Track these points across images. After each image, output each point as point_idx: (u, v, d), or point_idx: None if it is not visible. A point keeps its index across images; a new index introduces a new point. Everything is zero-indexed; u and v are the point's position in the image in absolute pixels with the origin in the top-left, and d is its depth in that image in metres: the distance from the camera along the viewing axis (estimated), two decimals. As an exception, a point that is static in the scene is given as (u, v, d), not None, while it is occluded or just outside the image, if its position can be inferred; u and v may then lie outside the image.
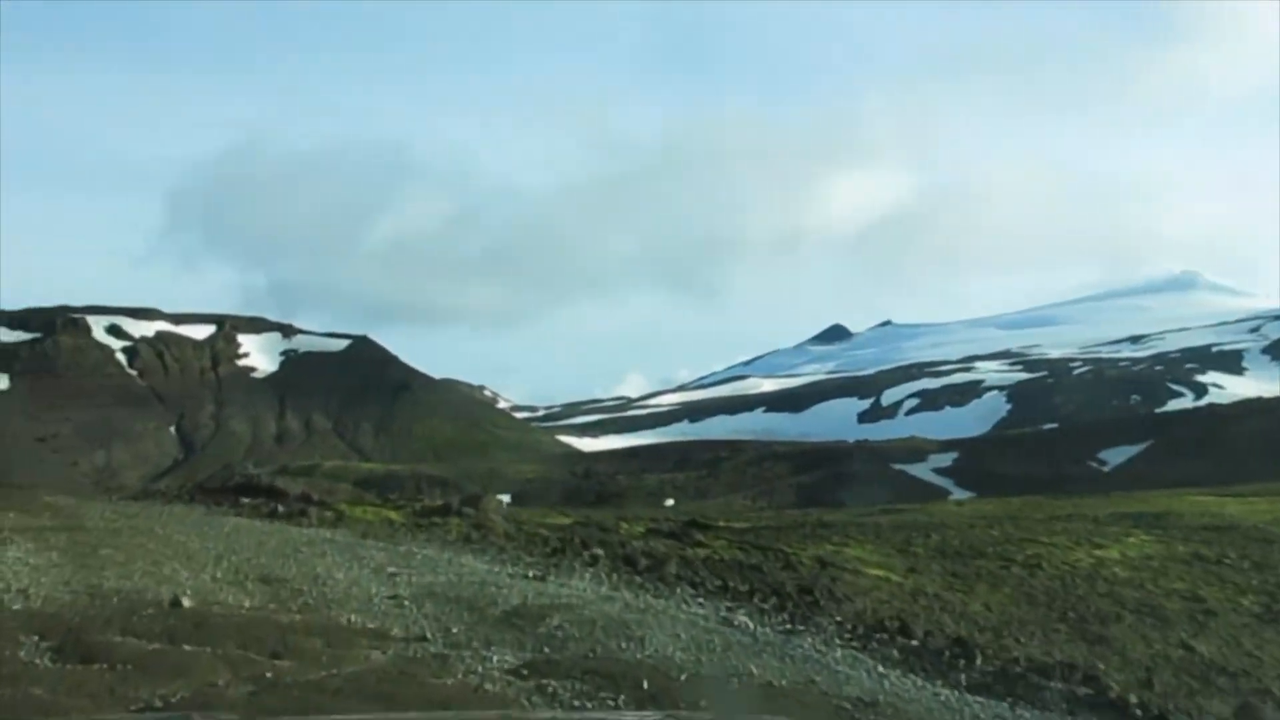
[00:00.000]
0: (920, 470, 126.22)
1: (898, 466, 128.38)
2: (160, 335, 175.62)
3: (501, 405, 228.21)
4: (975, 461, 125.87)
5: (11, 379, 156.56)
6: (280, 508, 20.13)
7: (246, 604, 9.32)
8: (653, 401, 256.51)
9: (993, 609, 19.49)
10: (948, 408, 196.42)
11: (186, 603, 8.67)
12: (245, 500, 21.62)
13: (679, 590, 11.19)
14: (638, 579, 11.77)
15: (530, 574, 11.67)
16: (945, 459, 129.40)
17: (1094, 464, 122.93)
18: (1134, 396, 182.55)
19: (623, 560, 13.34)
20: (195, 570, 10.81)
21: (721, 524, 36.60)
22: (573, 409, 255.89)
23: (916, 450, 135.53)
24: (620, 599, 10.42)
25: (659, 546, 21.50)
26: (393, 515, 21.56)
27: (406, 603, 9.52)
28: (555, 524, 28.02)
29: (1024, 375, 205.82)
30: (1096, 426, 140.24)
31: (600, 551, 14.84)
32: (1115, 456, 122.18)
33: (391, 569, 11.42)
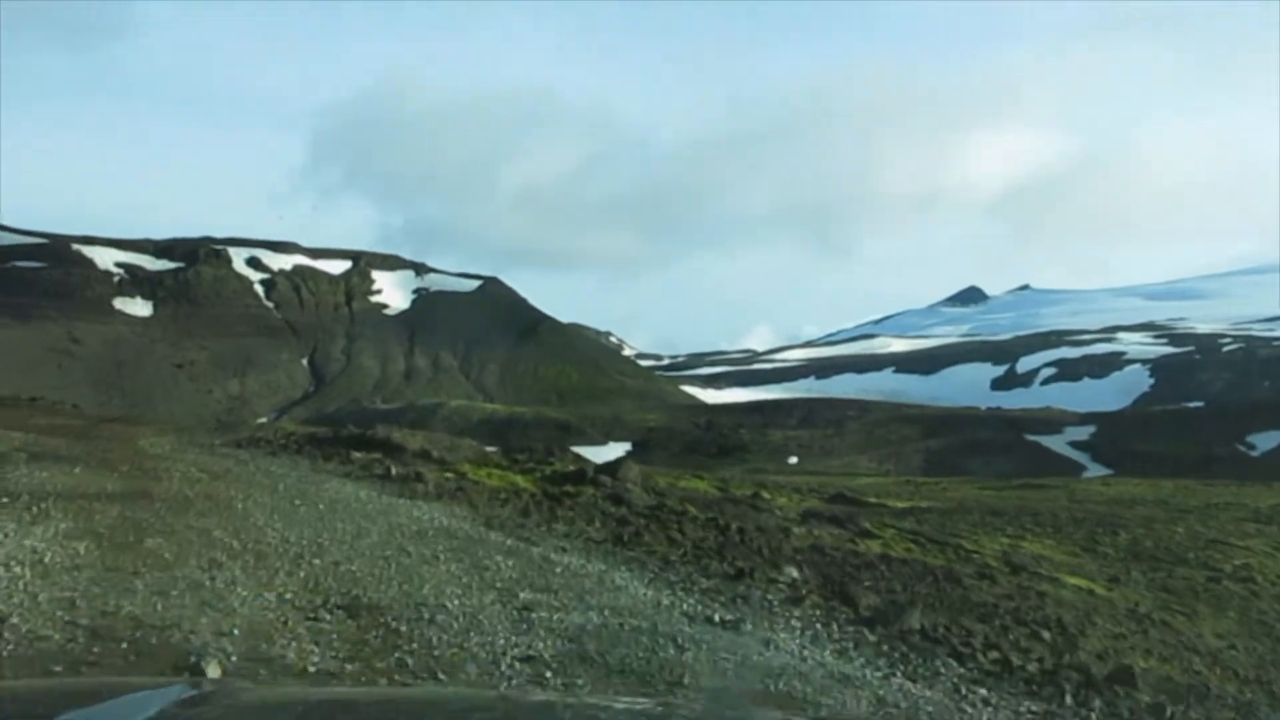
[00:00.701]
0: (1055, 443, 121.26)
1: (1031, 437, 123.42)
2: (297, 269, 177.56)
3: (626, 352, 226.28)
4: (1114, 437, 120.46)
5: (155, 306, 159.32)
6: (394, 469, 17.25)
7: (313, 660, 6.29)
8: (779, 356, 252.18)
9: (1238, 647, 15.75)
10: (1086, 379, 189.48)
11: (212, 671, 5.68)
12: (357, 455, 18.87)
13: (938, 663, 7.82)
14: (869, 634, 8.40)
15: (716, 614, 8.43)
16: (1082, 432, 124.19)
17: (1242, 447, 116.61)
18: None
19: (837, 596, 10.00)
20: (258, 584, 7.82)
21: (873, 500, 33.15)
22: (697, 359, 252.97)
23: (1053, 421, 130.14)
24: (863, 678, 7.13)
25: (827, 537, 18.27)
26: (520, 481, 18.69)
27: (549, 674, 6.37)
28: (698, 493, 24.90)
29: (1169, 349, 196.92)
30: (1246, 408, 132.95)
31: (795, 574, 11.50)
32: (1265, 441, 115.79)
33: (525, 595, 8.25)
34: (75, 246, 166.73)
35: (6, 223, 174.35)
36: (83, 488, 11.11)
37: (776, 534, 17.30)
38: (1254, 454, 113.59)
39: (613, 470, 19.72)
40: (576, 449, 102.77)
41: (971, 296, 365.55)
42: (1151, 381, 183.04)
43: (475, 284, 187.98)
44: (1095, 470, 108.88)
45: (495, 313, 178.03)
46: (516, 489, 17.76)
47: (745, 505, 21.03)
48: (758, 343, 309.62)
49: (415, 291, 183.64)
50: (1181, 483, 73.35)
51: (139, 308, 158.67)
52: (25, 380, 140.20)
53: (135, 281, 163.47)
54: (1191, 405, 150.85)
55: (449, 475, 18.21)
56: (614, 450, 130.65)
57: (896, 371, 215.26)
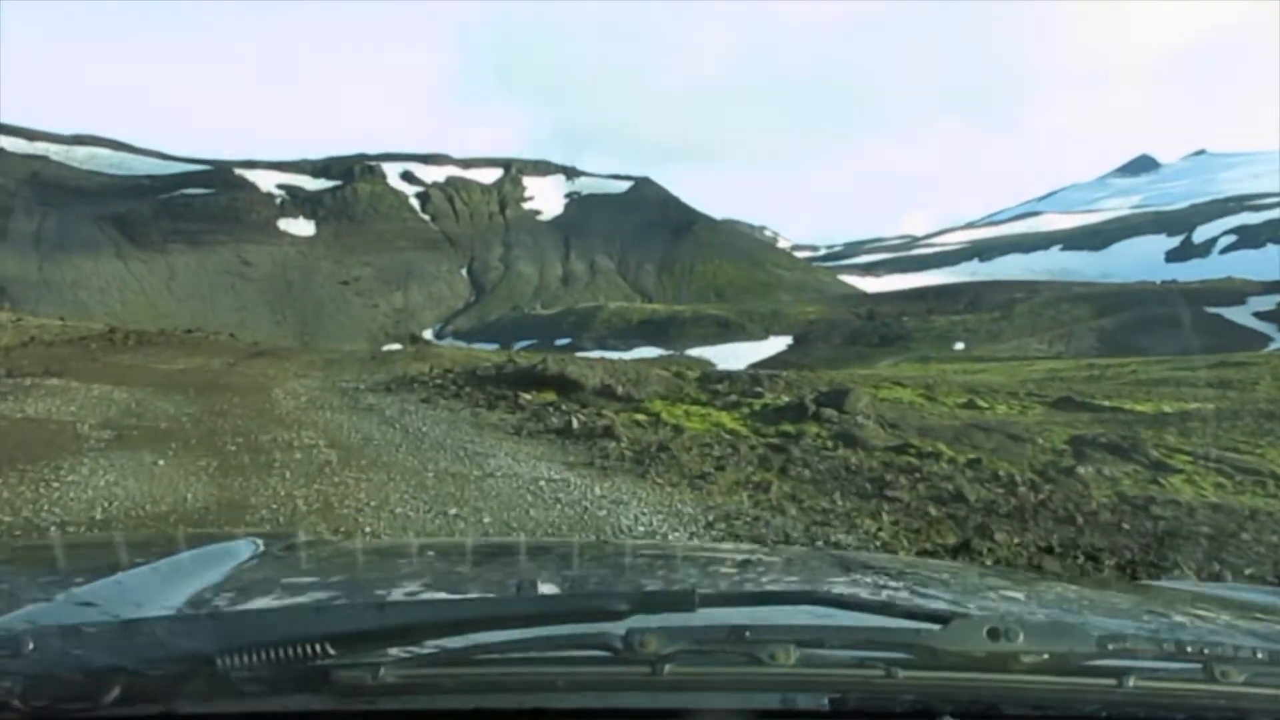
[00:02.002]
0: (1239, 315, 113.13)
1: (1213, 310, 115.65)
2: (450, 180, 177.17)
3: (782, 245, 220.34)
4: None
5: (316, 225, 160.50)
6: (575, 420, 13.45)
7: None
8: (939, 240, 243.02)
9: None
10: (1270, 245, 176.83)
11: None
12: (527, 398, 15.19)
13: None
14: None
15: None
16: (1268, 302, 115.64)
17: None
18: None
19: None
20: None
21: (1106, 404, 28.52)
22: (855, 248, 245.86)
23: (1234, 292, 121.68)
24: None
25: (1125, 481, 13.97)
26: (728, 422, 14.82)
27: None
28: (914, 409, 20.73)
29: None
30: None
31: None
32: None
33: None
34: (238, 171, 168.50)
35: (172, 151, 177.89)
36: (152, 501, 7.68)
37: (1067, 482, 13.04)
38: None
39: (838, 401, 15.63)
40: (737, 345, 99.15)
41: (1143, 166, 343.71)
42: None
43: (627, 185, 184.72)
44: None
45: (649, 213, 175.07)
46: (728, 436, 13.88)
47: (998, 434, 16.74)
48: (916, 227, 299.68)
49: (568, 196, 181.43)
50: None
51: (302, 227, 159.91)
52: (203, 304, 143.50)
53: (297, 202, 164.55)
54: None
55: (640, 419, 14.42)
56: (774, 345, 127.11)
57: (1064, 249, 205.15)
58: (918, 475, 12.07)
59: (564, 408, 14.65)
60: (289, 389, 16.65)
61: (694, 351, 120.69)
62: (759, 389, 17.00)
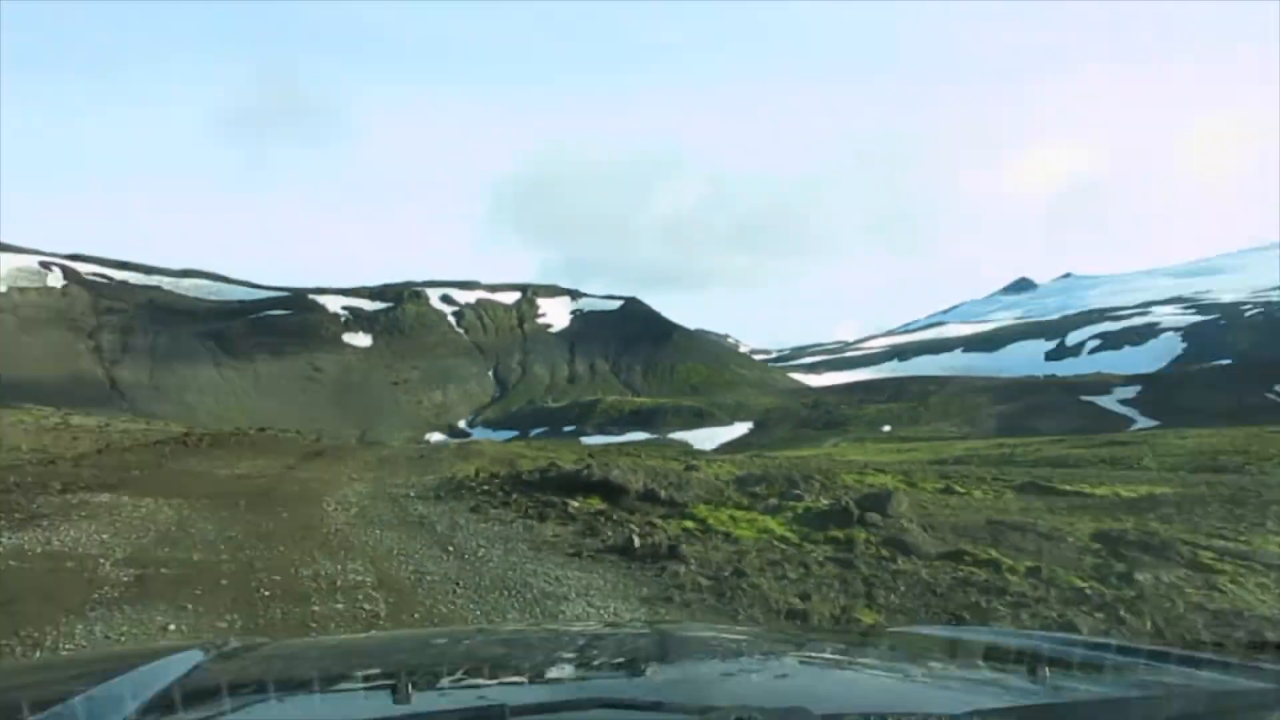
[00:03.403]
0: (1107, 401, 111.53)
1: (1086, 398, 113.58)
2: (480, 301, 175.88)
3: (743, 349, 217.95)
4: (1158, 394, 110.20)
5: (373, 338, 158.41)
6: (634, 538, 10.16)
7: None
8: (865, 344, 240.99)
9: None
10: (1127, 347, 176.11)
11: None
12: (575, 505, 12.01)
13: None
14: None
15: None
16: (1129, 391, 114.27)
17: (1272, 396, 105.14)
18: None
19: None
20: None
21: (1067, 488, 25.28)
22: (800, 351, 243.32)
23: (1103, 384, 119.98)
24: None
25: (1189, 589, 10.80)
26: (775, 527, 11.66)
27: None
28: (968, 522, 17.50)
29: (1197, 317, 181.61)
30: (1271, 363, 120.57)
31: None
32: None
33: None
34: (311, 296, 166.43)
35: (259, 281, 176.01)
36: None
37: (1128, 589, 9.81)
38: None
39: (880, 505, 12.45)
40: (709, 429, 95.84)
41: (1022, 285, 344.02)
42: (1184, 346, 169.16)
43: (619, 303, 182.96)
44: (1143, 423, 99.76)
45: (637, 325, 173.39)
46: (781, 544, 10.66)
47: (1030, 533, 13.50)
48: (847, 334, 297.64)
49: (572, 312, 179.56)
50: (1248, 428, 64.47)
51: (361, 340, 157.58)
52: (282, 403, 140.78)
53: (357, 320, 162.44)
54: (1223, 363, 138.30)
55: (690, 526, 11.22)
56: (739, 429, 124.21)
57: (965, 351, 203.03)
58: (1003, 593, 8.83)
59: (614, 516, 11.41)
60: (341, 498, 13.31)
61: (675, 435, 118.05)
62: (796, 491, 13.76)
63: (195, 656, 1.74)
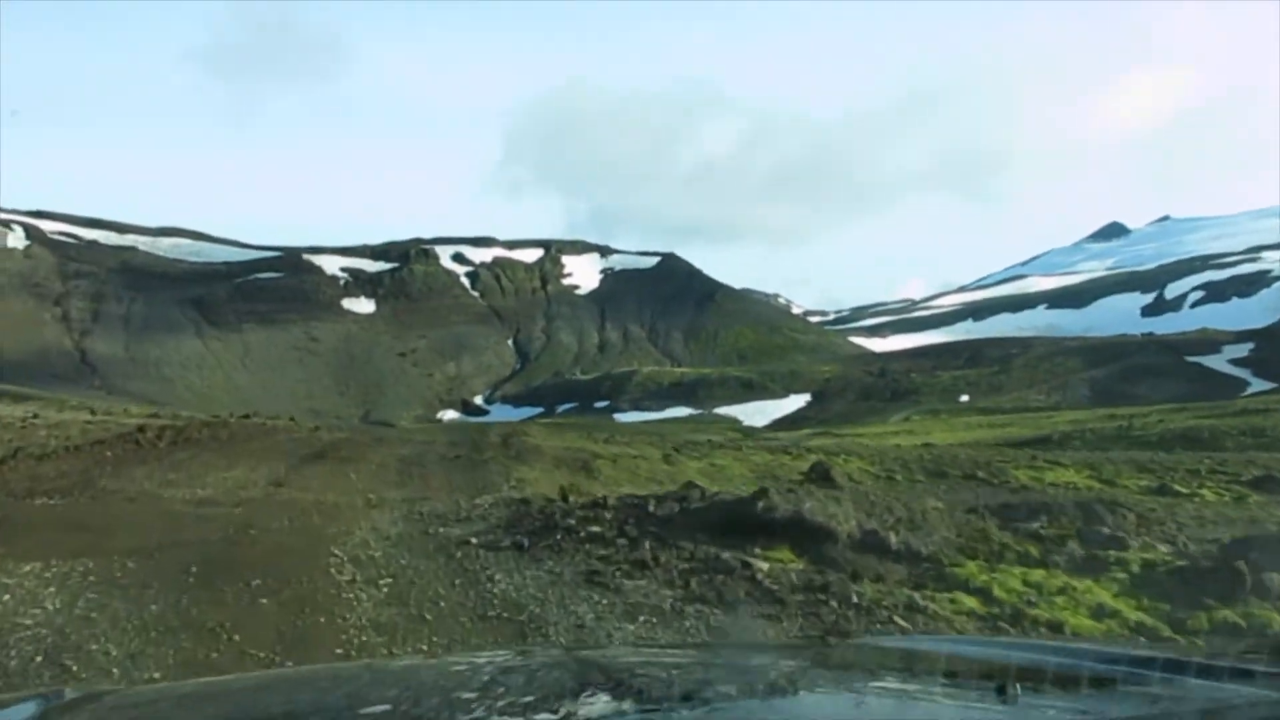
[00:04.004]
0: (1215, 362, 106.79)
1: (1191, 359, 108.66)
2: (497, 260, 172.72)
3: (795, 311, 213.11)
4: (1274, 352, 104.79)
5: (376, 303, 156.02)
6: (842, 621, 5.72)
7: None
8: (935, 303, 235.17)
9: None
10: (1234, 299, 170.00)
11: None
12: (758, 568, 7.58)
13: None
14: None
15: None
16: (1240, 350, 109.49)
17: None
18: None
19: None
20: None
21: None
22: (860, 312, 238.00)
23: (1210, 342, 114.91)
24: None
25: None
26: (1110, 600, 7.20)
27: None
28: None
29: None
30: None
31: None
32: None
33: None
34: (305, 256, 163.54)
35: (246, 240, 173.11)
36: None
37: None
38: None
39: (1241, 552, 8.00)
40: (759, 403, 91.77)
41: (1114, 231, 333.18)
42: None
43: (655, 260, 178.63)
44: (1258, 385, 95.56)
45: (675, 285, 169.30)
46: (1147, 639, 6.30)
47: None
48: (914, 292, 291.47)
49: (602, 271, 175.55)
50: None
51: (363, 306, 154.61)
52: (274, 377, 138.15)
53: (359, 283, 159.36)
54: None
55: (974, 607, 6.82)
56: (795, 402, 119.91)
57: (1049, 308, 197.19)
58: None
59: (834, 588, 7.03)
60: (357, 549, 8.88)
61: (721, 410, 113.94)
62: (1101, 528, 9.24)
63: (28, 709, 1.68)
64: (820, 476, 16.40)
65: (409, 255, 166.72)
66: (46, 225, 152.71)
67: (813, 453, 23.55)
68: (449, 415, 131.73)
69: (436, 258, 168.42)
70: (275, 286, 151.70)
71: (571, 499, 11.36)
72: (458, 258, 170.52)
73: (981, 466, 22.37)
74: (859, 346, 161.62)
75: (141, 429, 20.07)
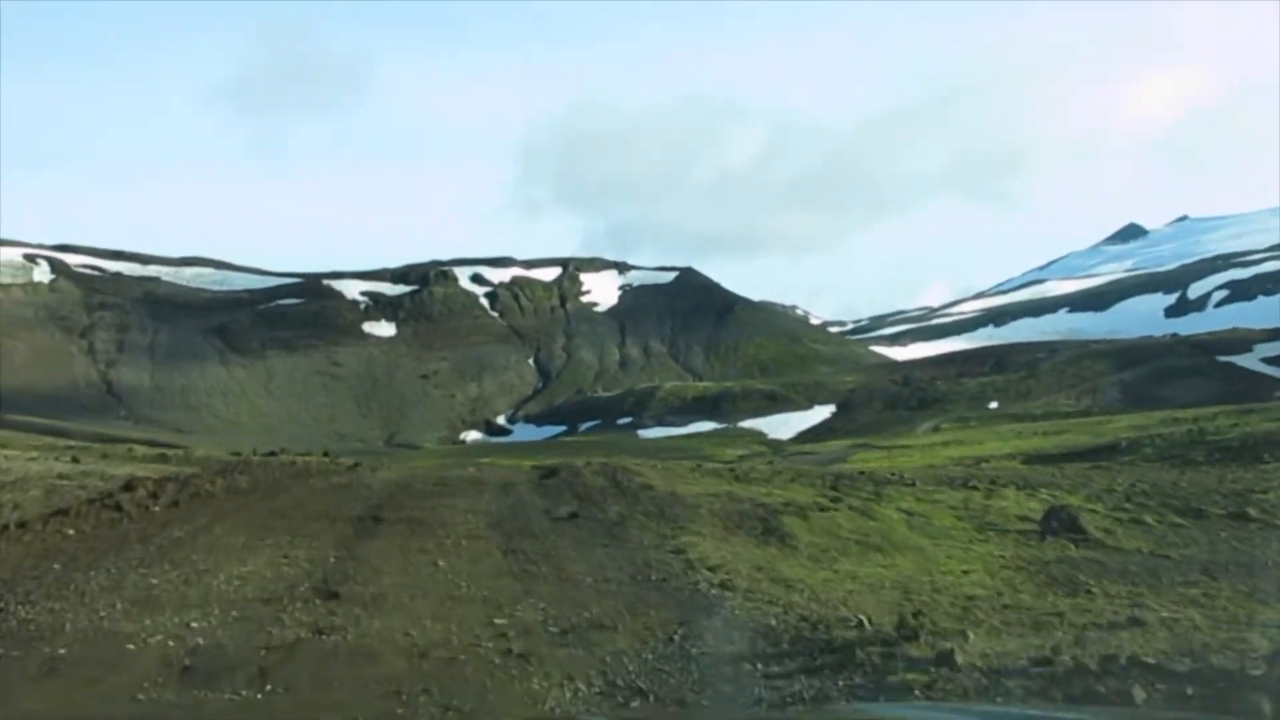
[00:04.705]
0: (1248, 361, 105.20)
1: (1223, 358, 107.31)
2: (515, 280, 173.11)
3: (814, 321, 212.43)
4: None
5: (397, 326, 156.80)
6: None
7: None
8: (955, 309, 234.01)
9: None
10: (1260, 297, 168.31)
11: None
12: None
13: None
14: None
15: None
16: (1274, 348, 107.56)
17: None
18: None
19: None
20: None
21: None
22: (879, 321, 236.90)
23: (1240, 341, 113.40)
24: None
25: None
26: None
27: None
28: None
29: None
30: None
31: None
32: None
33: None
34: (326, 282, 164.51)
35: (267, 268, 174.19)
36: None
37: None
38: None
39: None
40: (784, 415, 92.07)
41: (1131, 233, 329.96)
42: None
43: (673, 275, 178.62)
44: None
45: (694, 299, 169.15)
46: None
47: None
48: (933, 299, 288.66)
49: (620, 288, 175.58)
50: None
51: (384, 329, 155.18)
52: (298, 402, 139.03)
53: (379, 307, 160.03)
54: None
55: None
56: (819, 414, 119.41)
57: (1071, 311, 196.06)
58: None
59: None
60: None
61: (746, 423, 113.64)
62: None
63: None
64: (1065, 526, 14.69)
65: (428, 278, 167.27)
66: (71, 259, 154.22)
67: (990, 488, 19.49)
68: (472, 436, 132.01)
69: (455, 279, 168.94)
70: (297, 312, 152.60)
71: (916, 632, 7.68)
72: (476, 278, 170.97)
73: (1229, 497, 18.67)
74: (881, 356, 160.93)
75: (129, 486, 15.23)
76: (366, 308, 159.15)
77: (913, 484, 19.91)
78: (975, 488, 19.61)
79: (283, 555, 10.99)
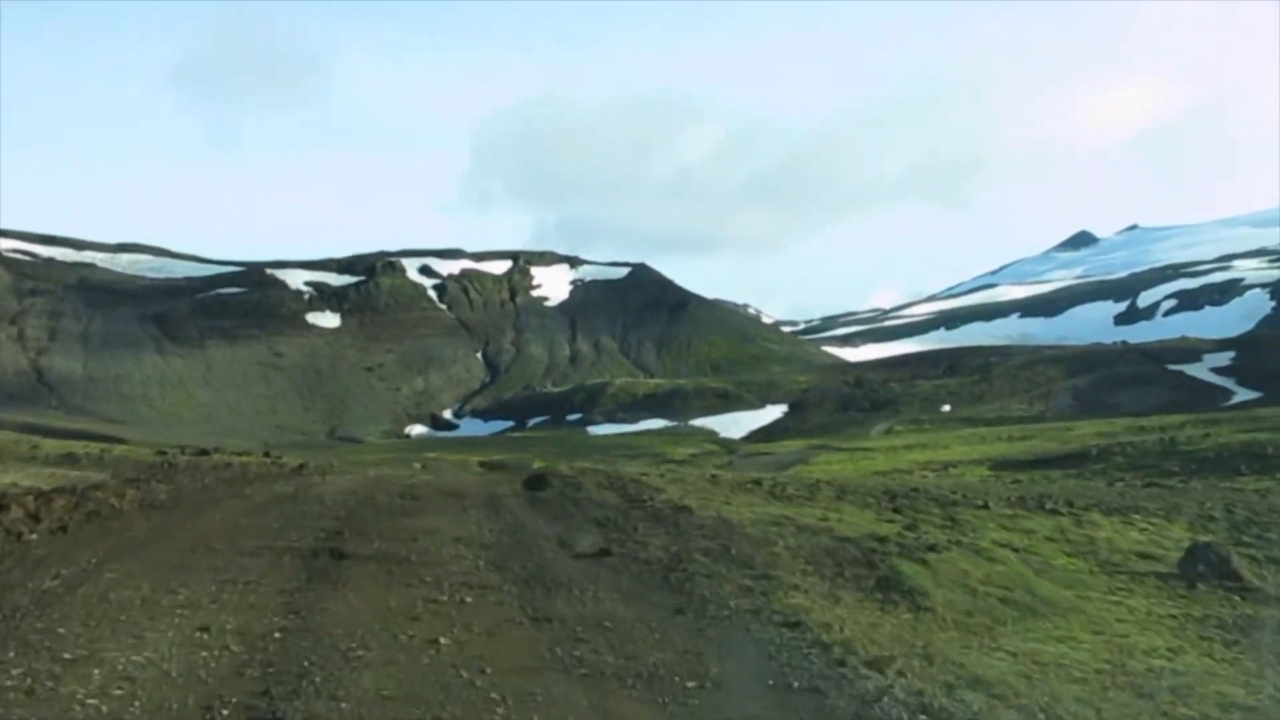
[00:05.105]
0: (1198, 370, 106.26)
1: (1173, 367, 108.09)
2: (465, 272, 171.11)
3: (765, 320, 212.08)
4: (1256, 360, 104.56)
5: (342, 317, 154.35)
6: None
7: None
8: (907, 312, 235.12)
9: None
10: (1208, 307, 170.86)
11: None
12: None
13: None
14: None
15: None
16: (1223, 358, 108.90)
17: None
18: None
19: None
20: None
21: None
22: (831, 321, 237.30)
23: (1190, 350, 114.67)
24: None
25: None
26: None
27: None
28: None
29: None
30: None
31: None
32: None
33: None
34: (269, 271, 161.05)
35: (208, 255, 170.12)
36: None
37: None
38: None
39: None
40: (736, 414, 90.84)
41: (1082, 240, 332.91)
42: (1273, 304, 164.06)
43: (625, 271, 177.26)
44: (1243, 395, 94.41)
45: (646, 295, 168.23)
46: None
47: None
48: (884, 301, 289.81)
49: (572, 282, 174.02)
50: None
51: (329, 320, 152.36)
52: (238, 394, 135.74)
53: (323, 297, 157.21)
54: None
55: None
56: (772, 413, 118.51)
57: (1022, 316, 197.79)
58: None
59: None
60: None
61: (697, 422, 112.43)
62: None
63: None
64: (1216, 570, 12.65)
65: (375, 268, 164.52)
66: (1, 243, 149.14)
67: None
68: (417, 430, 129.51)
69: (403, 270, 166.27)
70: (238, 302, 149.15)
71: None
72: (425, 270, 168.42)
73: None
74: (833, 356, 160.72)
75: (2, 505, 11.24)
76: (311, 298, 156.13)
77: (985, 506, 17.59)
78: (1059, 512, 17.50)
79: (199, 628, 7.24)
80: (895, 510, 16.47)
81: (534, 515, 13.93)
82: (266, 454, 25.35)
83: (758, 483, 20.31)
